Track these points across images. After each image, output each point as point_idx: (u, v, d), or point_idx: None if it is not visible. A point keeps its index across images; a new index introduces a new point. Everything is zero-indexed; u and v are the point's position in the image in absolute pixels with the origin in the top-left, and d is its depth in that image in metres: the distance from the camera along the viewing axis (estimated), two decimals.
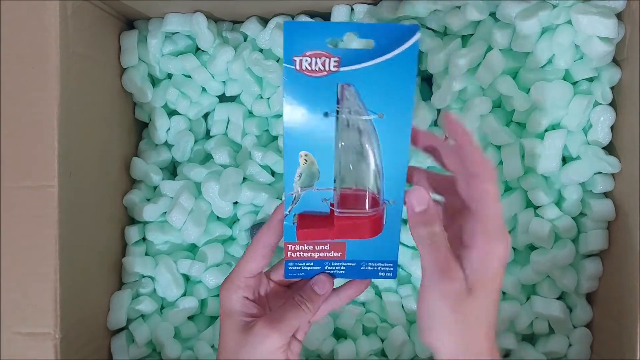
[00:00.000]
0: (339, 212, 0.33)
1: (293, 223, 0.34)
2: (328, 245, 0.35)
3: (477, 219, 0.32)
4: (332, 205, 0.33)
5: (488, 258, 0.32)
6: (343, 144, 0.32)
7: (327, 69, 0.27)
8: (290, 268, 0.36)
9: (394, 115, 0.31)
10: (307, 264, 0.35)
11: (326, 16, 0.54)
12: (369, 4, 0.53)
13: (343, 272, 0.36)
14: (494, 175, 0.32)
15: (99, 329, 0.51)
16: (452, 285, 0.31)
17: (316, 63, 0.27)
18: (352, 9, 0.53)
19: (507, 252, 0.33)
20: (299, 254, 0.35)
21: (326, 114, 0.30)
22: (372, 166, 0.32)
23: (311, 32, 0.28)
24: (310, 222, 0.34)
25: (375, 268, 0.36)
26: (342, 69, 0.27)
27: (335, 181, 0.33)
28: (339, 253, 0.35)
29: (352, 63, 0.28)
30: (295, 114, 0.30)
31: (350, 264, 0.36)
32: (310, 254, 0.35)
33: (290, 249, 0.35)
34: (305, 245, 0.34)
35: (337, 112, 0.30)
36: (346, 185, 0.33)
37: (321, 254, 0.35)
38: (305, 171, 0.32)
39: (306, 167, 0.32)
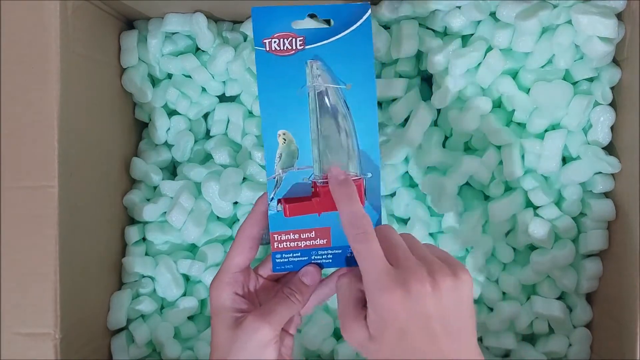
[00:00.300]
0: (322, 182, 0.35)
1: (277, 210, 0.35)
2: (313, 232, 0.36)
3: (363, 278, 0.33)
4: (313, 184, 0.35)
5: (378, 308, 0.32)
6: (319, 119, 0.33)
7: (294, 47, 0.29)
8: (277, 261, 0.36)
9: (359, 87, 0.33)
10: (294, 255, 0.36)
11: None
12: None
13: (330, 260, 0.37)
14: (366, 233, 0.33)
15: (99, 329, 0.51)
16: (359, 330, 0.33)
17: (284, 43, 0.29)
18: None
19: (419, 292, 0.32)
20: (286, 244, 0.35)
21: (298, 91, 0.33)
22: (349, 140, 0.34)
23: (277, 16, 0.30)
24: (296, 201, 0.35)
25: None
26: (307, 47, 0.30)
27: (314, 159, 0.34)
28: (325, 240, 0.36)
29: (316, 41, 0.31)
30: (269, 94, 0.32)
31: (336, 251, 0.37)
32: (297, 243, 0.36)
33: (276, 239, 0.35)
34: (291, 234, 0.35)
35: (309, 87, 0.33)
36: (325, 161, 0.35)
37: (307, 242, 0.36)
38: (284, 150, 0.33)
39: (285, 146, 0.33)
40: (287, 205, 0.34)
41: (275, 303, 0.36)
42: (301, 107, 0.33)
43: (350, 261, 0.37)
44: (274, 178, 0.34)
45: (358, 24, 0.32)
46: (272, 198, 0.35)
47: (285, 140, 0.33)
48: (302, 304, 0.37)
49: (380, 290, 0.32)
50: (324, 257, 0.37)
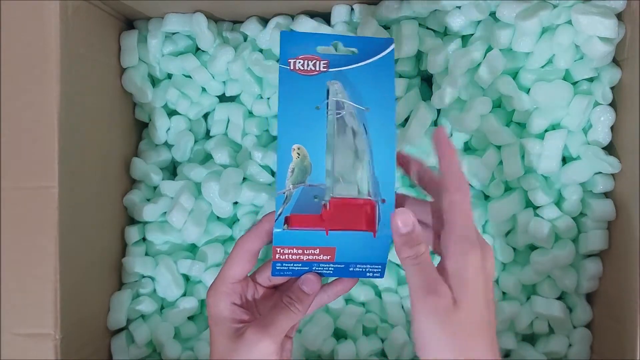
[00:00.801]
0: (333, 195, 0.34)
1: (283, 228, 0.34)
2: (318, 249, 0.35)
3: (448, 230, 0.33)
4: (324, 206, 0.34)
5: (463, 267, 0.32)
6: (336, 137, 0.33)
7: (317, 69, 0.30)
8: (278, 268, 0.35)
9: (378, 113, 0.33)
10: (294, 265, 0.35)
11: (326, 16, 0.54)
12: (369, 4, 0.53)
13: (331, 272, 0.36)
14: (465, 188, 0.34)
15: (99, 329, 0.51)
16: (438, 301, 0.32)
17: (308, 64, 0.30)
18: (352, 9, 0.53)
19: (486, 260, 0.33)
20: (288, 257, 0.35)
21: (317, 108, 0.33)
22: (364, 161, 0.34)
23: (303, 41, 0.31)
24: (303, 215, 0.34)
25: (364, 269, 0.36)
26: (330, 69, 0.31)
27: (327, 176, 0.34)
28: (328, 256, 0.35)
29: (339, 66, 0.32)
30: (289, 109, 0.32)
31: (338, 266, 0.36)
32: (299, 257, 0.35)
33: (278, 252, 0.34)
34: (294, 249, 0.34)
35: (327, 105, 0.33)
36: (339, 182, 0.34)
37: (310, 257, 0.35)
38: (297, 165, 0.33)
39: (299, 161, 0.33)
40: (291, 216, 0.34)
41: (275, 313, 0.35)
42: (319, 124, 0.33)
43: (354, 274, 0.36)
44: (284, 193, 0.33)
45: (381, 55, 0.33)
46: (280, 214, 0.34)
47: (299, 155, 0.33)
48: (302, 313, 0.36)
49: (467, 249, 0.32)
50: (325, 268, 0.36)
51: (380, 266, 0.36)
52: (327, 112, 0.33)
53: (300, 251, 0.35)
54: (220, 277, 0.37)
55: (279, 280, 0.39)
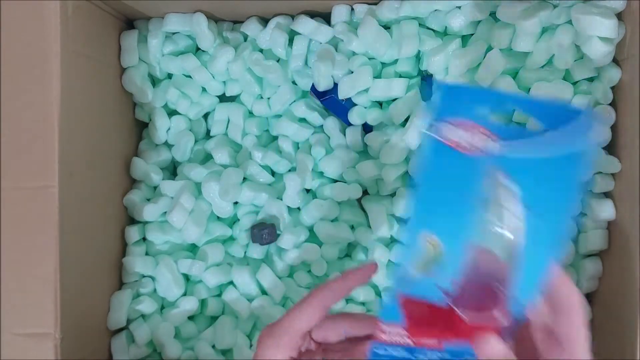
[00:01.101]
0: (470, 319, 0.26)
1: (396, 303, 0.27)
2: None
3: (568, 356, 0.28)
4: (450, 302, 0.26)
5: None
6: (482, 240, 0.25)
7: (480, 147, 0.22)
8: (376, 351, 0.28)
9: (548, 222, 0.24)
10: (396, 349, 0.28)
11: (327, 16, 0.54)
12: (369, 4, 0.53)
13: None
14: (584, 315, 0.29)
15: (99, 329, 0.51)
16: None
17: (469, 137, 0.22)
18: (352, 9, 0.53)
19: None
20: (394, 339, 0.27)
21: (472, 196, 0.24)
22: (506, 281, 0.26)
23: (469, 99, 0.23)
24: (422, 315, 0.27)
25: None
26: (504, 150, 0.22)
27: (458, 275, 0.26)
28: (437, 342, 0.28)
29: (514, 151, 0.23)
30: (432, 189, 0.25)
31: (445, 357, 0.28)
32: (405, 340, 0.28)
33: (385, 330, 0.27)
34: (401, 329, 0.27)
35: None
36: (467, 294, 0.26)
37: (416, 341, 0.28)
38: (428, 259, 0.26)
39: (431, 255, 0.26)
40: (410, 323, 0.27)
41: None
42: (464, 217, 0.25)
43: None
44: (403, 276, 0.26)
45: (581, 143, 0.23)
46: (394, 293, 0.26)
47: (434, 248, 0.25)
48: None
49: None
50: (427, 355, 0.28)
51: None
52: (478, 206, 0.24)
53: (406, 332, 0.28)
54: (284, 326, 0.32)
55: (332, 338, 0.34)
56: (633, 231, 0.46)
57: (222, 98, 0.59)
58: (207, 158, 0.58)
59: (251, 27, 0.55)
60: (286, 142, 0.55)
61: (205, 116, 0.60)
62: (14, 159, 0.43)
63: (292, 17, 0.55)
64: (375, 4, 0.53)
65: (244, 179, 0.54)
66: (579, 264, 0.51)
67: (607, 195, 0.50)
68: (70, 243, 0.44)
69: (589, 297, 0.53)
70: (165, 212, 0.54)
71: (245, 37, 0.57)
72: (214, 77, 0.56)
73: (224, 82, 0.57)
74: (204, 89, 0.57)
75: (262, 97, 0.57)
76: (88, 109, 0.48)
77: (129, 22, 0.58)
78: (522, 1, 0.48)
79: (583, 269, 0.51)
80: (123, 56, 0.55)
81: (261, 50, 0.55)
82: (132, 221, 0.56)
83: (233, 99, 0.59)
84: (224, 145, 0.56)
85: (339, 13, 0.53)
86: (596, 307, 0.52)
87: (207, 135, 0.60)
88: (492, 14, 0.50)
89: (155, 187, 0.57)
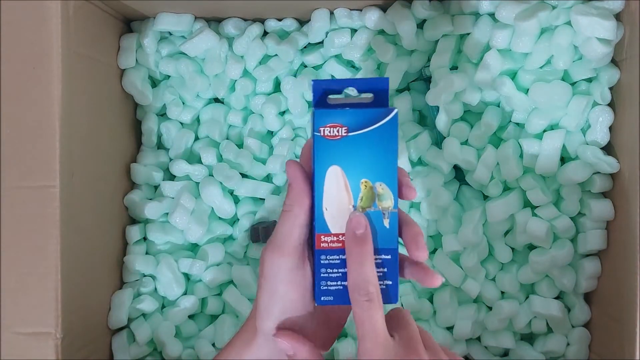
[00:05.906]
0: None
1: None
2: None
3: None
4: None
5: None
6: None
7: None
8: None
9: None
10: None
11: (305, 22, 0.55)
12: (350, 9, 0.53)
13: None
14: (371, 302, 0.33)
15: (100, 328, 0.51)
16: None
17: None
18: (332, 13, 0.54)
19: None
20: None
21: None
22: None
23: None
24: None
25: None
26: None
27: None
28: None
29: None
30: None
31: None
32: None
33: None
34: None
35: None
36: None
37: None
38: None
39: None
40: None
41: (278, 227, 0.35)
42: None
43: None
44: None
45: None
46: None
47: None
48: (303, 214, 0.35)
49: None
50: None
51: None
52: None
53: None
54: (281, 237, 0.35)
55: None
56: (632, 231, 0.46)
57: (218, 100, 0.59)
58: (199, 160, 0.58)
59: (245, 29, 0.55)
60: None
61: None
62: (15, 158, 0.43)
63: (279, 19, 0.56)
64: (360, 9, 0.53)
65: (244, 178, 0.55)
66: (578, 263, 0.51)
67: (606, 195, 0.51)
68: (71, 242, 0.44)
69: (588, 297, 0.53)
70: (167, 212, 0.54)
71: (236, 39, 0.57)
72: (208, 79, 0.56)
73: (220, 84, 0.56)
74: (199, 91, 0.57)
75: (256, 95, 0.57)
76: (89, 109, 0.49)
77: (130, 23, 0.58)
78: (521, 1, 0.48)
79: (582, 269, 0.51)
80: (120, 58, 0.55)
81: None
82: (133, 221, 0.57)
83: (229, 100, 0.58)
84: (211, 147, 0.56)
85: (320, 17, 0.53)
86: (595, 307, 0.52)
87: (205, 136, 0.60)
88: (492, 14, 0.50)
89: (156, 187, 0.57)
